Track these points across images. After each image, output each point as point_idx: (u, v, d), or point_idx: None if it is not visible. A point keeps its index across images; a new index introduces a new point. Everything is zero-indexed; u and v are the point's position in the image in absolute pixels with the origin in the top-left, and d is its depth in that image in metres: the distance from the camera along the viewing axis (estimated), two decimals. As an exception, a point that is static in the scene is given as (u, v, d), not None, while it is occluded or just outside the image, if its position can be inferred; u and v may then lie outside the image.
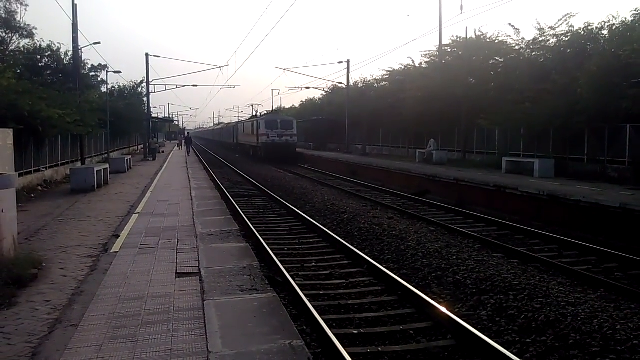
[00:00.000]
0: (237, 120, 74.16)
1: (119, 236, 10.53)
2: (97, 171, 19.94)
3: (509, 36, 28.10)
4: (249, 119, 53.86)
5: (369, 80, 45.27)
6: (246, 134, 49.16)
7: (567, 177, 19.71)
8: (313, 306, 7.06)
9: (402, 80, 34.60)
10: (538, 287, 7.86)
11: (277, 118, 42.47)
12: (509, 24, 27.49)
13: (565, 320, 6.61)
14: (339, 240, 11.25)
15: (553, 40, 24.63)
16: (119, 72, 38.33)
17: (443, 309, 6.89)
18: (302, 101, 64.91)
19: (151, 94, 44.78)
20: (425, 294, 7.62)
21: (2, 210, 7.64)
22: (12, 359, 4.90)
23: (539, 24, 25.25)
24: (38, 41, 33.62)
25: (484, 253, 10.43)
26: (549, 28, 24.69)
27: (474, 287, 8.21)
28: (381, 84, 41.70)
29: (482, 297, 7.78)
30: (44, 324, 5.74)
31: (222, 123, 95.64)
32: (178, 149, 59.14)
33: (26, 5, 33.78)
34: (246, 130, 49.68)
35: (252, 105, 61.91)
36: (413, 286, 7.97)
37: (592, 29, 22.42)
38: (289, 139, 40.51)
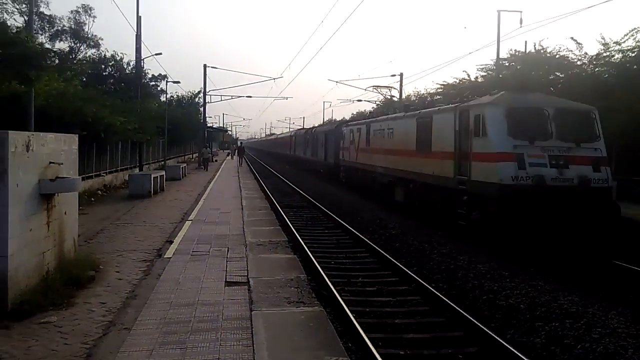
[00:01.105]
0: (322, 125, 49.48)
1: (172, 242, 10.81)
2: (153, 178, 20.63)
3: (571, 51, 27.12)
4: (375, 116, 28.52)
5: (423, 94, 44.81)
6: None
7: (630, 199, 18.72)
8: (359, 323, 6.96)
9: (456, 94, 34.02)
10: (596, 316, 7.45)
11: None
12: (571, 38, 26.65)
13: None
14: (386, 256, 11.09)
15: (618, 56, 23.59)
16: (177, 82, 39.71)
17: (492, 334, 6.63)
18: (353, 114, 64.85)
19: (207, 104, 46.04)
20: (475, 318, 7.37)
21: (65, 213, 7.99)
22: (67, 359, 5.08)
23: (603, 38, 24.28)
24: (103, 51, 35.40)
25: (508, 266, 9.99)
26: (614, 43, 23.69)
27: (527, 312, 7.87)
28: (435, 97, 41.17)
29: (535, 323, 7.45)
30: (98, 325, 5.94)
31: (291, 131, 64.38)
32: (230, 158, 60.53)
33: (94, 16, 35.66)
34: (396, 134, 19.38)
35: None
36: (462, 309, 7.72)
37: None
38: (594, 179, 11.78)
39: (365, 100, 49.31)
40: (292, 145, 52.60)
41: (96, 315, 6.26)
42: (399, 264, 10.32)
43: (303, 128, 59.73)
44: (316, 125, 53.78)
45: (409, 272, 9.75)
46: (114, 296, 7.06)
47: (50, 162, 7.34)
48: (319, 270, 9.64)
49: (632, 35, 22.72)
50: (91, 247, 10.07)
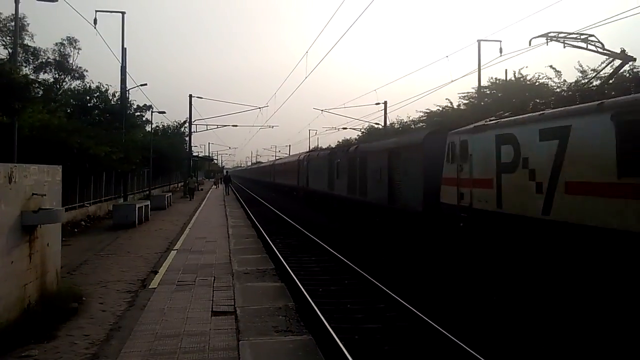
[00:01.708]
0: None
1: (157, 272, 10.67)
2: (138, 208, 20.45)
3: (550, 78, 27.81)
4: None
5: (406, 122, 45.37)
6: None
7: None
8: (348, 351, 6.88)
9: (440, 121, 34.49)
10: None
11: None
12: (550, 66, 27.23)
13: None
14: (373, 282, 11.03)
15: (596, 83, 24.20)
16: (163, 112, 39.79)
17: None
18: (338, 141, 65.29)
19: (193, 133, 46.07)
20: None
21: (48, 244, 7.87)
22: (49, 394, 4.94)
23: (581, 66, 24.97)
24: (88, 82, 35.37)
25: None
26: (592, 71, 24.36)
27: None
28: (418, 124, 41.69)
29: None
30: (81, 358, 5.80)
31: (300, 154, 47.01)
32: (215, 187, 60.32)
33: (79, 48, 35.73)
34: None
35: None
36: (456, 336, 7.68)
37: (638, 71, 21.97)
38: None
39: (350, 128, 49.67)
40: (302, 174, 38.68)
41: (79, 348, 6.11)
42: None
43: (318, 148, 51.31)
44: (321, 148, 50.93)
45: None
46: (97, 328, 6.91)
47: (33, 194, 7.26)
48: (307, 298, 9.57)
49: (610, 64, 23.38)
50: (74, 279, 9.90)
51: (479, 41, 26.77)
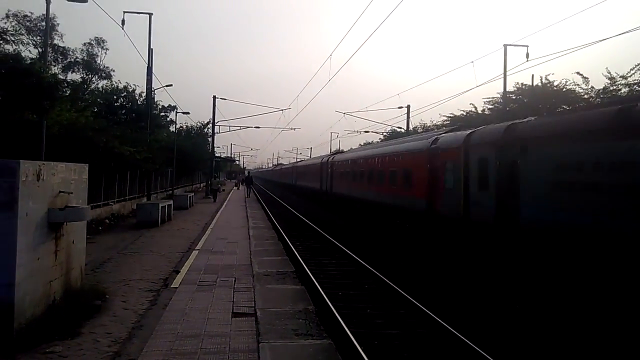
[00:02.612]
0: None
1: (179, 272, 10.74)
2: (161, 207, 20.67)
3: (577, 85, 27.31)
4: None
5: (429, 126, 45.02)
6: None
7: None
8: (368, 357, 6.82)
9: (463, 126, 34.10)
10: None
11: None
12: (577, 73, 26.74)
13: None
14: (394, 287, 10.95)
15: (625, 90, 23.72)
16: (187, 112, 40.20)
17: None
18: (359, 144, 65.12)
19: (216, 134, 46.45)
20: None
21: (73, 242, 7.99)
22: (72, 390, 5.00)
23: (609, 72, 24.46)
24: (115, 82, 35.95)
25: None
26: (620, 77, 23.85)
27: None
28: (441, 129, 41.30)
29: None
30: (104, 356, 5.85)
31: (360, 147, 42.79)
32: (236, 188, 59.84)
33: (106, 49, 36.38)
34: None
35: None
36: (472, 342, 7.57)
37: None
38: None
39: (372, 132, 49.53)
40: (325, 177, 35.85)
41: (102, 346, 6.18)
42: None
43: (339, 150, 44.39)
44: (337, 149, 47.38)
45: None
46: (120, 326, 6.98)
47: (60, 191, 7.38)
48: (327, 302, 9.54)
49: (639, 69, 22.87)
50: (98, 276, 10.03)
51: (505, 46, 26.41)
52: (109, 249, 13.83)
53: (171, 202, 23.67)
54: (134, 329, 6.89)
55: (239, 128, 54.52)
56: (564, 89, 28.01)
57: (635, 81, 23.01)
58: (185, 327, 6.94)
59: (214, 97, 43.87)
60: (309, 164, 49.40)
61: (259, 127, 75.91)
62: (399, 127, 45.87)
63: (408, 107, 41.39)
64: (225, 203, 34.65)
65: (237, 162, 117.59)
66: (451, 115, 39.84)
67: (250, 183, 48.46)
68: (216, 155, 55.73)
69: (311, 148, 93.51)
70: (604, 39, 29.66)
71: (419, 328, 8.67)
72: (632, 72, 23.19)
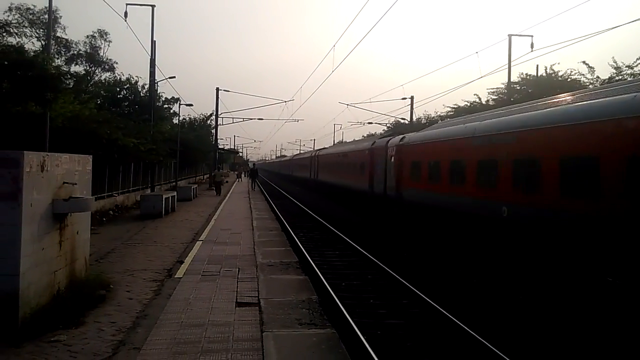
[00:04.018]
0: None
1: (183, 262, 10.79)
2: (165, 198, 20.72)
3: (583, 75, 27.16)
4: None
5: (433, 117, 44.87)
6: None
7: None
8: (371, 346, 6.85)
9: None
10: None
11: None
12: (583, 62, 26.57)
13: None
14: (395, 276, 10.97)
15: (631, 79, 23.54)
16: (190, 104, 40.14)
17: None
18: (363, 136, 65.00)
19: (219, 126, 46.42)
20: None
21: (77, 232, 8.02)
22: (77, 378, 5.04)
23: (615, 62, 24.31)
24: (118, 75, 35.93)
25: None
26: (626, 67, 23.71)
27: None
28: (445, 120, 41.18)
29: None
30: (108, 345, 5.89)
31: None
32: (239, 180, 59.08)
33: (109, 41, 36.28)
34: None
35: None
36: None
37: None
38: None
39: (376, 123, 49.35)
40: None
41: (106, 335, 6.22)
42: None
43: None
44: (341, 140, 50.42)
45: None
46: (124, 315, 7.02)
47: (64, 182, 7.40)
48: (330, 292, 9.58)
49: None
50: (102, 267, 10.08)
51: (509, 36, 26.24)
52: (113, 239, 13.90)
53: (175, 193, 23.72)
54: (138, 318, 6.93)
55: (242, 120, 54.30)
56: (569, 79, 27.86)
57: (641, 71, 22.86)
58: (189, 316, 6.98)
59: (217, 89, 43.82)
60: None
61: (262, 119, 75.70)
62: (402, 119, 45.76)
63: (412, 98, 41.25)
64: (228, 195, 34.70)
65: (241, 154, 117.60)
66: (455, 106, 39.70)
67: (256, 176, 44.50)
68: (220, 146, 55.72)
69: (314, 140, 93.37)
70: (610, 29, 29.38)
71: (422, 318, 8.69)
72: (638, 61, 23.04)
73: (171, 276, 9.52)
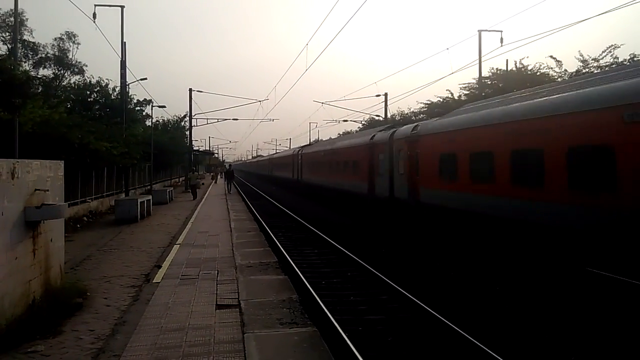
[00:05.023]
0: None
1: (161, 267, 10.68)
2: (140, 202, 20.45)
3: (551, 68, 27.77)
4: None
5: (407, 113, 45.30)
6: None
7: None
8: (352, 343, 6.90)
9: (440, 112, 34.45)
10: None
11: None
12: (551, 56, 27.18)
13: None
14: (376, 273, 11.06)
15: (597, 72, 24.17)
16: (163, 106, 39.61)
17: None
18: (339, 134, 65.19)
19: (193, 127, 45.97)
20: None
21: (51, 240, 7.88)
22: (56, 388, 4.96)
23: (581, 55, 24.91)
24: (88, 77, 35.30)
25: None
26: (592, 60, 24.30)
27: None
28: (419, 116, 41.62)
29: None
30: (87, 353, 5.81)
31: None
32: (214, 182, 58.08)
33: (78, 43, 35.64)
34: None
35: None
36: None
37: (639, 60, 21.91)
38: None
39: (351, 120, 49.54)
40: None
41: (85, 343, 6.14)
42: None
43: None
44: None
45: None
46: (102, 323, 6.93)
47: (36, 189, 7.26)
48: (310, 291, 9.60)
49: (610, 52, 23.35)
50: (78, 274, 9.91)
51: (479, 31, 26.62)
52: (88, 246, 13.67)
53: (150, 197, 23.43)
54: (117, 325, 6.84)
55: (216, 120, 53.89)
56: (538, 73, 28.44)
57: (607, 63, 23.46)
58: (168, 320, 6.92)
59: (190, 90, 43.34)
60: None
61: (237, 119, 75.69)
62: (377, 115, 46.05)
63: (385, 95, 41.49)
64: (205, 196, 34.41)
65: (216, 155, 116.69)
66: (428, 102, 40.14)
67: (232, 177, 41.19)
68: (194, 148, 55.18)
69: (290, 139, 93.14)
70: (575, 23, 30.13)
71: (401, 312, 8.79)
72: (604, 54, 23.66)
73: (149, 281, 9.43)
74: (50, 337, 6.32)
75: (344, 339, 7.06)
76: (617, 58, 23.07)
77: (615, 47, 23.29)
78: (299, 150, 42.10)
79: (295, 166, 41.77)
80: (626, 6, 15.16)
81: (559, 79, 26.75)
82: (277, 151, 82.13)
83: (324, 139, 55.85)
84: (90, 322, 6.97)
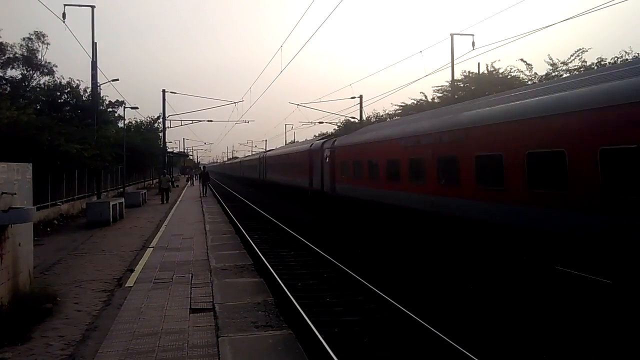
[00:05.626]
0: None
1: (134, 270, 10.52)
2: (112, 205, 20.11)
3: (522, 71, 28.29)
4: None
5: (382, 115, 45.60)
6: None
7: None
8: (328, 344, 6.91)
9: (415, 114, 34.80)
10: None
11: None
12: (521, 60, 27.70)
13: None
14: (352, 275, 11.11)
15: (566, 75, 24.73)
16: (136, 107, 39.02)
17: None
18: (314, 135, 65.20)
19: (167, 129, 45.44)
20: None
21: (20, 244, 7.69)
22: (24, 396, 4.84)
23: (551, 59, 25.45)
24: (58, 78, 34.46)
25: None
26: (561, 63, 24.86)
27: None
28: (394, 118, 41.95)
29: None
30: (57, 359, 5.68)
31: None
32: (190, 184, 56.96)
33: (47, 43, 34.77)
34: None
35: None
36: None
37: (605, 63, 22.50)
38: None
39: (326, 122, 49.58)
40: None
41: (54, 349, 6.00)
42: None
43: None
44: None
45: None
46: (72, 328, 6.78)
47: (3, 193, 7.08)
48: (286, 293, 9.58)
49: (578, 56, 23.92)
50: (48, 279, 9.69)
51: (452, 35, 26.94)
52: (58, 250, 13.37)
53: (122, 199, 23.05)
54: (87, 330, 6.71)
55: (190, 122, 53.48)
56: (509, 76, 28.95)
57: (575, 67, 24.03)
58: (141, 325, 6.82)
59: (164, 91, 42.85)
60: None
61: (211, 121, 74.14)
62: (352, 117, 46.18)
63: (360, 97, 41.69)
64: (179, 198, 34.01)
65: (191, 157, 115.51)
66: (402, 105, 40.47)
67: (207, 180, 39.64)
68: (169, 150, 54.50)
69: (266, 140, 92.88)
70: (545, 27, 30.79)
71: (377, 313, 8.84)
72: (572, 58, 24.22)
73: (121, 285, 9.27)
74: (18, 343, 6.16)
75: (320, 340, 7.07)
76: (585, 62, 23.66)
77: (583, 50, 23.90)
78: (263, 155, 49.63)
79: (260, 168, 48.43)
80: (593, 11, 15.52)
81: (529, 82, 27.32)
82: (252, 154, 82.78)
83: (300, 141, 56.66)
84: (60, 328, 6.82)
